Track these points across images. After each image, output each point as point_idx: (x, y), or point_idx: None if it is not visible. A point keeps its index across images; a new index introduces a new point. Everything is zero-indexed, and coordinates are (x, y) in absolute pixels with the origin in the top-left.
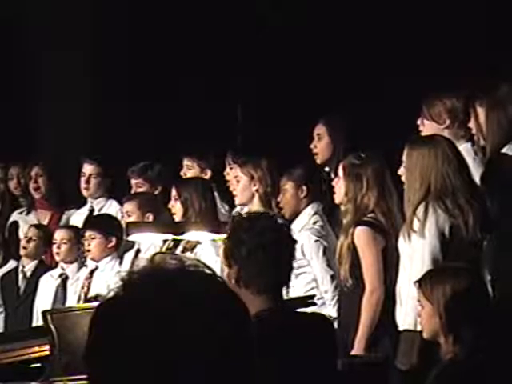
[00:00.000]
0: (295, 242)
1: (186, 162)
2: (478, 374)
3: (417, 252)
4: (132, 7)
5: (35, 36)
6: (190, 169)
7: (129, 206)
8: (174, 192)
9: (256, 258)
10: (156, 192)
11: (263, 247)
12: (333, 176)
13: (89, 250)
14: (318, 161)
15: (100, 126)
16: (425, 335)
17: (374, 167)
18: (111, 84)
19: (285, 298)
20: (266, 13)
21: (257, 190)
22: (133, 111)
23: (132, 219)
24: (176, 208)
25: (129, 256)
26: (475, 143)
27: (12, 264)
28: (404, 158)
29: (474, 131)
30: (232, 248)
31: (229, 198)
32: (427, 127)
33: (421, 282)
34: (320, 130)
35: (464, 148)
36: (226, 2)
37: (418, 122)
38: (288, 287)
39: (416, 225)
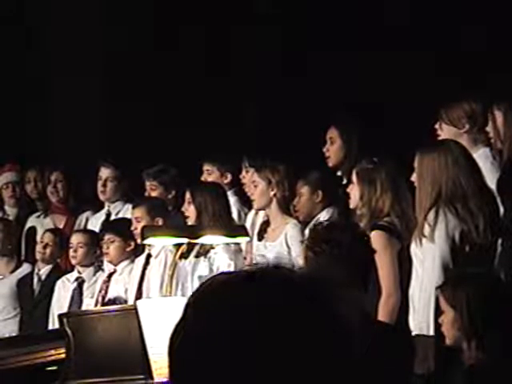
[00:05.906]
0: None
1: (205, 166)
2: (500, 379)
3: (427, 257)
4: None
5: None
6: (209, 173)
7: (138, 212)
8: (187, 195)
9: None
10: (170, 196)
11: None
12: (345, 180)
13: (107, 253)
14: (330, 164)
15: (116, 129)
16: (447, 341)
17: (388, 171)
18: (125, 85)
19: None
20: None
21: (275, 195)
22: (149, 113)
23: (141, 224)
24: (189, 211)
25: (140, 261)
26: (493, 147)
27: (27, 268)
28: (415, 163)
29: (491, 135)
30: None
31: (248, 201)
32: (445, 132)
33: (442, 288)
34: (332, 133)
35: (482, 153)
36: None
37: (436, 126)
38: None
39: (427, 230)
